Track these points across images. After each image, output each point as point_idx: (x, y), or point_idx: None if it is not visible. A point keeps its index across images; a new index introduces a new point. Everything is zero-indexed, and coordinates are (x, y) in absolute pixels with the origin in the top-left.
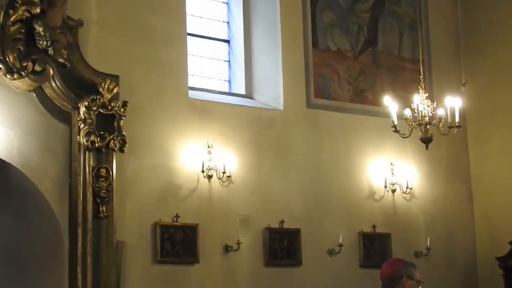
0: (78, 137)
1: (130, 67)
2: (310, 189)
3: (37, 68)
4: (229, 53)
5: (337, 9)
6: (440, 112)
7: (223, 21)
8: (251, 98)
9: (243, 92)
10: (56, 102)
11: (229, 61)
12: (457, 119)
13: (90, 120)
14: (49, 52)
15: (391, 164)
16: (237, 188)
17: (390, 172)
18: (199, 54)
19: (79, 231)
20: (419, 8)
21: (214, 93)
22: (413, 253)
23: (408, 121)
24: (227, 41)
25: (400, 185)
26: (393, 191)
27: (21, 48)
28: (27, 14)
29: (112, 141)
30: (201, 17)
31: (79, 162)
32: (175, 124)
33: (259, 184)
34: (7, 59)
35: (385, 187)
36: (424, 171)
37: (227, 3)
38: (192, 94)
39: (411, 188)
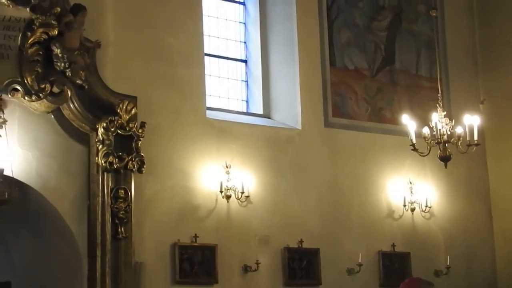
0: (96, 158)
1: (148, 88)
2: (328, 209)
3: (55, 89)
4: (246, 73)
5: (354, 28)
6: (459, 130)
7: (240, 41)
8: (268, 118)
9: (260, 111)
10: (74, 123)
11: (246, 81)
12: (475, 137)
13: (108, 141)
14: (67, 74)
15: (410, 182)
16: (255, 208)
17: (409, 190)
18: (216, 74)
19: (98, 252)
20: (436, 26)
21: (232, 113)
22: (433, 272)
23: (426, 139)
24: (245, 61)
25: (419, 203)
26: (412, 209)
27: (39, 70)
28: (44, 36)
29: (131, 162)
30: (218, 37)
31: (98, 183)
32: (193, 144)
33: (277, 204)
34: (26, 81)
35: (404, 205)
36: (443, 190)
37: (244, 23)
38: (210, 114)
39: (430, 207)
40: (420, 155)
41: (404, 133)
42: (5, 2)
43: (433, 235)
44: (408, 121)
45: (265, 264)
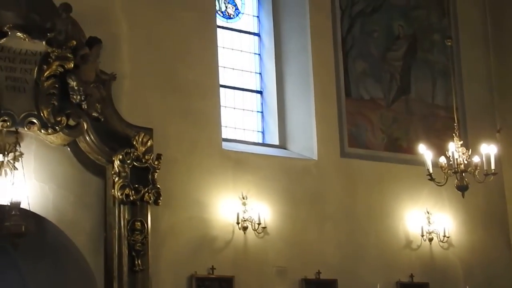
0: (112, 190)
1: (164, 119)
2: (346, 239)
3: (71, 122)
4: (262, 104)
5: (369, 58)
6: (476, 159)
7: (256, 72)
8: (284, 149)
9: (276, 142)
10: (90, 156)
11: (262, 112)
12: (492, 166)
13: (125, 174)
14: (83, 107)
15: (428, 212)
16: (272, 239)
17: (426, 220)
18: (232, 106)
19: (115, 285)
20: (451, 55)
21: (248, 144)
22: None
23: (443, 169)
24: (260, 92)
25: (437, 233)
26: (430, 240)
27: (55, 103)
28: (60, 69)
29: (147, 194)
30: (233, 69)
31: (114, 216)
32: (209, 175)
33: (294, 235)
34: (42, 114)
35: (422, 236)
36: (461, 219)
37: (259, 55)
38: (225, 145)
39: (448, 237)
40: (437, 185)
41: (421, 163)
42: (21, 36)
43: (452, 265)
44: (424, 151)
45: None
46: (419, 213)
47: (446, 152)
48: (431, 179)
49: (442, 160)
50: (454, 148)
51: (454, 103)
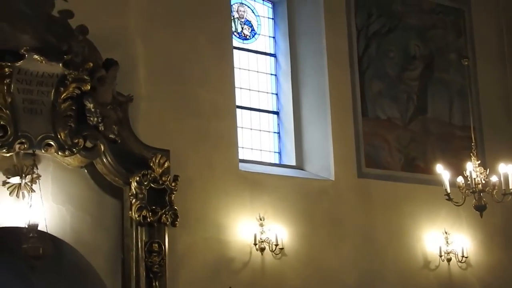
0: (130, 212)
1: (181, 141)
2: (363, 260)
3: (88, 144)
4: (278, 124)
5: (386, 78)
6: (494, 179)
7: (272, 93)
8: (301, 169)
9: (293, 163)
10: (107, 177)
11: (278, 133)
12: (511, 186)
13: (142, 195)
14: (100, 128)
15: (446, 232)
16: (290, 260)
17: (444, 241)
18: (248, 127)
19: None
20: (468, 74)
21: (265, 165)
22: None
23: (461, 189)
24: (276, 113)
25: (455, 254)
26: (449, 260)
27: (72, 125)
28: (77, 91)
29: (164, 215)
30: (250, 90)
31: (131, 237)
32: (226, 197)
33: (312, 256)
34: (59, 136)
35: (440, 256)
36: (480, 239)
37: (276, 75)
38: (242, 166)
39: (466, 257)
40: (455, 205)
41: (439, 183)
42: (38, 58)
43: (470, 285)
44: (442, 171)
45: None
46: (437, 233)
47: (464, 172)
48: (449, 199)
49: (460, 180)
50: (472, 167)
51: (471, 122)
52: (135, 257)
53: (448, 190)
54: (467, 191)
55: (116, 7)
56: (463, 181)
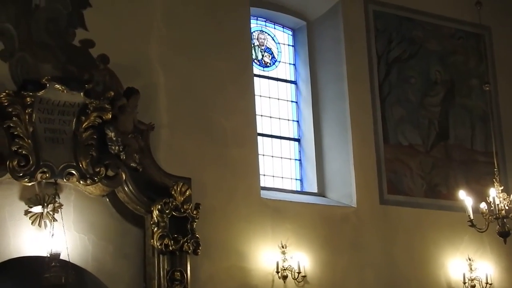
0: (151, 240)
1: (202, 169)
2: (386, 287)
3: (110, 173)
4: (299, 151)
5: (407, 104)
6: None
7: (293, 120)
8: (323, 196)
9: (315, 190)
10: (129, 206)
11: (300, 160)
12: None
13: (163, 223)
14: (121, 157)
15: (469, 259)
16: None
17: (468, 267)
18: (270, 154)
19: None
20: (489, 100)
21: (286, 192)
22: None
23: (484, 215)
24: (298, 140)
25: (479, 280)
26: (473, 287)
27: (94, 153)
28: (98, 120)
29: (186, 243)
30: (270, 117)
31: (153, 266)
32: (248, 224)
33: (335, 283)
34: (80, 165)
35: (464, 283)
36: (504, 266)
37: (296, 102)
38: (264, 194)
39: (491, 284)
40: (479, 231)
41: (461, 209)
42: (60, 88)
43: None
44: (465, 197)
45: None
46: (460, 260)
47: (487, 198)
48: (472, 225)
49: (483, 206)
50: (495, 193)
51: (493, 148)
52: (157, 285)
53: (471, 216)
54: (490, 217)
55: (136, 36)
56: (486, 207)
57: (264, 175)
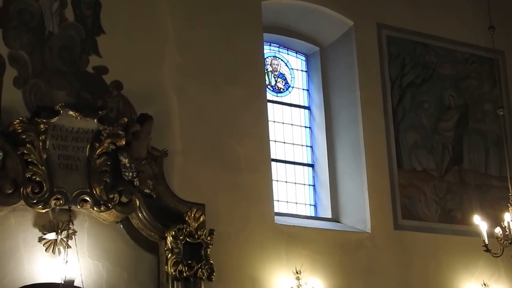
0: (166, 266)
1: (216, 195)
2: None
3: (124, 199)
4: (313, 177)
5: (421, 129)
6: None
7: (307, 146)
8: (337, 222)
9: (329, 215)
10: (143, 232)
11: (313, 185)
12: None
13: (178, 250)
14: (135, 183)
15: (484, 284)
16: None
17: None
18: (283, 179)
19: None
20: (503, 124)
21: (300, 218)
22: None
23: (499, 239)
24: (311, 165)
25: None
26: None
27: (108, 180)
28: (112, 147)
29: (200, 270)
30: (284, 142)
31: None
32: (262, 250)
33: None
34: (94, 192)
35: None
36: None
37: (310, 128)
38: (278, 219)
39: None
40: (494, 256)
41: (476, 234)
42: (73, 114)
43: None
44: (479, 222)
45: None
46: (475, 285)
47: (502, 223)
48: (487, 250)
49: (498, 230)
50: (510, 218)
51: (508, 172)
52: None
53: (486, 241)
54: (505, 241)
55: (150, 62)
56: (501, 232)
57: (278, 200)
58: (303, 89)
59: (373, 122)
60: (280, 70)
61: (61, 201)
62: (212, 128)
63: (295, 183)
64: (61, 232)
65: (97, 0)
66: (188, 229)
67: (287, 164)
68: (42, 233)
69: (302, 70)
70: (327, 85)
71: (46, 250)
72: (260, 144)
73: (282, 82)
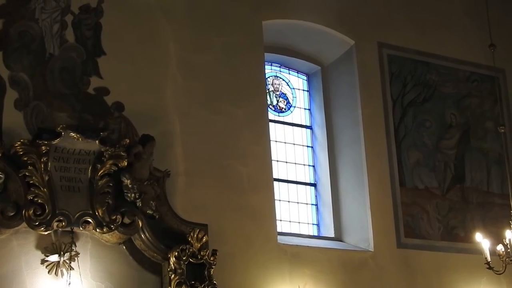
0: (169, 287)
1: (218, 215)
2: None
3: (126, 220)
4: (316, 196)
5: (422, 148)
6: None
7: (309, 165)
8: (340, 241)
9: (332, 235)
10: (146, 253)
11: (316, 205)
12: None
13: (181, 270)
14: (138, 204)
15: None
16: None
17: None
18: (286, 199)
19: None
20: (505, 142)
21: (303, 237)
22: None
23: (501, 257)
24: (314, 185)
25: None
26: None
27: (110, 201)
28: (114, 168)
29: None
30: (286, 162)
31: None
32: (265, 270)
33: None
34: (97, 213)
35: None
36: None
37: (312, 147)
38: (281, 239)
39: None
40: (496, 273)
41: (479, 252)
42: (75, 136)
43: None
44: (481, 239)
45: None
46: None
47: (504, 240)
48: (490, 267)
49: (500, 248)
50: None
51: (510, 190)
52: None
53: (489, 259)
54: (507, 259)
55: (151, 84)
56: (503, 249)
57: (280, 220)
58: (305, 109)
59: (375, 141)
60: (282, 90)
61: (63, 223)
62: (214, 148)
63: (298, 202)
64: (64, 254)
65: (98, 22)
66: (191, 250)
67: (289, 184)
68: (45, 255)
69: (303, 90)
70: (328, 104)
71: (49, 272)
72: (262, 164)
73: (284, 101)
